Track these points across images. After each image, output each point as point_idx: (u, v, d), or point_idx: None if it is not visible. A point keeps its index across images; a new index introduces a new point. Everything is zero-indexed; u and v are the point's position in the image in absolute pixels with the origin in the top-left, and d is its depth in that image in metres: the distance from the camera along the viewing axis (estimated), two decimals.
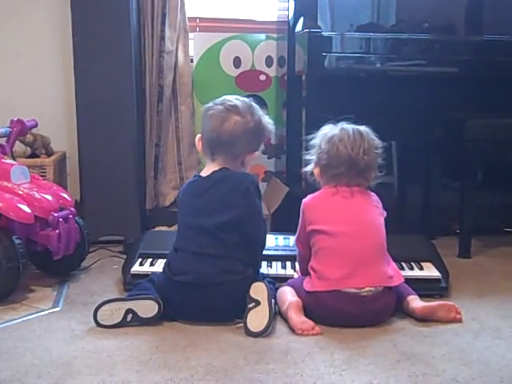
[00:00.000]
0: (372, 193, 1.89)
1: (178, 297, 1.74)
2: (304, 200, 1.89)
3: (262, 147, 1.97)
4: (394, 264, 1.84)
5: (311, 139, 1.93)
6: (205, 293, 1.72)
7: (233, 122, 1.82)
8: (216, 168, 1.85)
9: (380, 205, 1.88)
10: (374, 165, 1.86)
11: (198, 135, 1.92)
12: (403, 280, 1.82)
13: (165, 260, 1.86)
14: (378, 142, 1.87)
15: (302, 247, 1.90)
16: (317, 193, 1.90)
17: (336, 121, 1.90)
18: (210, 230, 1.77)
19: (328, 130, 1.89)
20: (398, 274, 1.82)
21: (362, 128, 1.87)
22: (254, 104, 1.88)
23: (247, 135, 1.83)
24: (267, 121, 1.90)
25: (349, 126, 1.87)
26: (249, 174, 1.88)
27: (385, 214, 1.89)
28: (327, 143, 1.85)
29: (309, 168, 1.93)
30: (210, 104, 1.89)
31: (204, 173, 1.88)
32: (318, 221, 1.82)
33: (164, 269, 1.81)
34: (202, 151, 1.90)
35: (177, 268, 1.77)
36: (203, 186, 1.84)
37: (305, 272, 1.86)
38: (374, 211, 1.85)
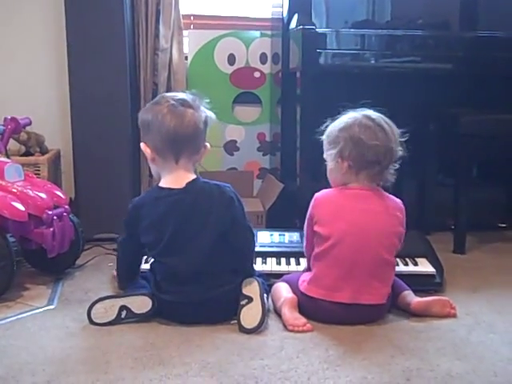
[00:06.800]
0: (396, 200, 1.81)
1: (166, 311, 1.72)
2: (317, 194, 1.81)
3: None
4: (391, 280, 1.79)
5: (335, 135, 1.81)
6: (193, 309, 1.70)
7: (190, 115, 1.72)
8: (189, 177, 1.75)
9: (400, 213, 1.78)
10: (393, 161, 1.78)
11: (143, 144, 1.76)
12: (384, 301, 1.75)
13: None
14: (400, 149, 1.78)
15: (307, 231, 1.84)
16: (331, 191, 1.82)
17: (357, 111, 1.82)
18: (199, 249, 1.71)
19: (353, 130, 1.77)
20: (387, 291, 1.76)
21: (387, 127, 1.77)
22: (193, 95, 1.78)
23: (204, 126, 1.76)
24: (207, 108, 1.79)
25: (374, 127, 1.76)
26: (224, 184, 1.79)
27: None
28: (350, 141, 1.76)
29: (331, 164, 1.82)
30: (148, 106, 1.78)
31: (173, 183, 1.75)
32: (324, 223, 1.76)
33: (152, 285, 1.76)
34: (156, 158, 1.74)
35: (164, 286, 1.73)
36: (184, 201, 1.72)
37: (310, 251, 1.83)
38: (387, 221, 1.76)
